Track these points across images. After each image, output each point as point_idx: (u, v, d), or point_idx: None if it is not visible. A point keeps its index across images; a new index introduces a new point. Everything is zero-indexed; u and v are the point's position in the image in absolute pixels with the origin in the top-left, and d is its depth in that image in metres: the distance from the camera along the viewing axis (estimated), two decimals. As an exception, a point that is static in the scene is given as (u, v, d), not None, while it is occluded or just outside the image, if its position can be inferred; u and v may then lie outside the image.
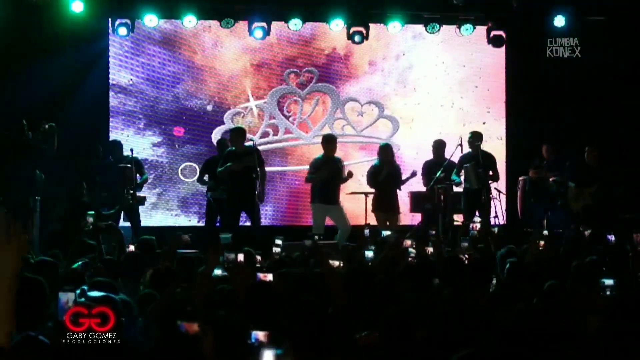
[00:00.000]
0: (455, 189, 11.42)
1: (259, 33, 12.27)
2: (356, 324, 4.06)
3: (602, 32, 12.57)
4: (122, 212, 10.97)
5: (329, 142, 11.22)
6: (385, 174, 11.17)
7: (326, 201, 10.96)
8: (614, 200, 11.06)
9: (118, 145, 11.26)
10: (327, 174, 10.91)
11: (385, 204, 11.23)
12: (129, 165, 10.89)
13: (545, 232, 9.22)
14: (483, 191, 11.17)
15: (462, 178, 11.32)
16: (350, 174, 11.06)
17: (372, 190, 11.68)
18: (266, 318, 4.06)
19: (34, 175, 9.99)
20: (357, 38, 12.52)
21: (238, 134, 10.99)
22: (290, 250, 7.88)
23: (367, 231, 9.34)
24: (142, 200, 11.28)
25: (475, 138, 11.34)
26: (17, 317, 2.75)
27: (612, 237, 8.46)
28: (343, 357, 3.54)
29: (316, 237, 8.09)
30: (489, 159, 11.39)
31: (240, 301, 4.44)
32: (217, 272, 5.28)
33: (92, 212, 8.93)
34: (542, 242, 7.30)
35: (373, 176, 11.32)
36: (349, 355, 3.60)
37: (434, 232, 8.69)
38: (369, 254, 6.68)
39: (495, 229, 9.21)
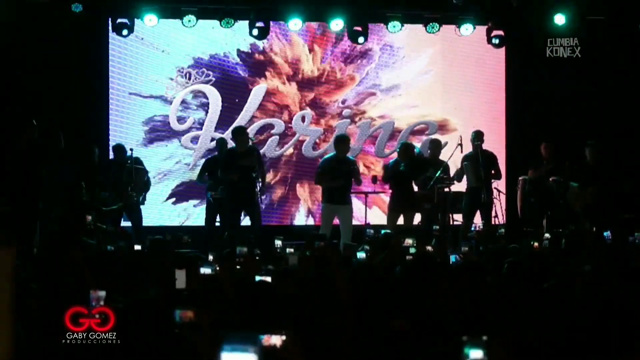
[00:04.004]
0: (455, 188, 11.42)
1: (258, 33, 12.27)
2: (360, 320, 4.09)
3: (602, 32, 12.56)
4: (125, 212, 11.06)
5: (341, 142, 11.11)
6: (392, 174, 11.12)
7: (334, 201, 10.90)
8: (617, 199, 11.05)
9: (121, 148, 11.30)
10: (338, 183, 10.85)
11: (399, 203, 11.18)
12: (140, 167, 11.09)
13: (547, 235, 9.22)
14: (483, 190, 11.19)
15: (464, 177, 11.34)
16: (361, 180, 11.08)
17: (372, 190, 11.70)
18: (266, 317, 4.07)
19: (40, 175, 10.01)
20: (357, 38, 12.53)
21: (241, 133, 11.02)
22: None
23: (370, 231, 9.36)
24: (142, 201, 11.36)
25: (476, 137, 11.36)
26: None
27: (609, 235, 8.49)
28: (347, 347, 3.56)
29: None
30: (490, 158, 11.41)
31: (229, 298, 4.46)
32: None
33: (92, 212, 8.97)
34: (536, 244, 7.34)
35: (384, 174, 11.32)
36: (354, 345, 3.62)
37: (437, 227, 8.70)
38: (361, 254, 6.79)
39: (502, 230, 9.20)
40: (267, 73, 12.99)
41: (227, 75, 12.84)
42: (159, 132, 12.64)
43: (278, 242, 8.04)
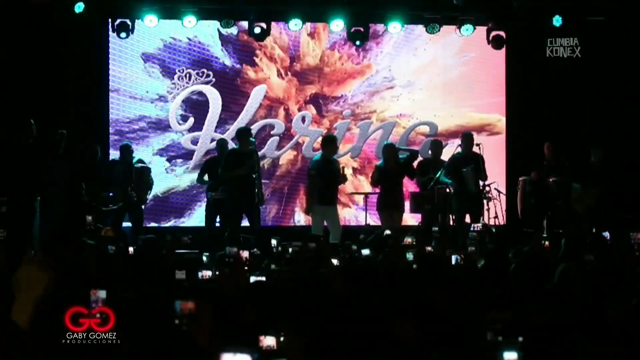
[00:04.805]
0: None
1: (259, 33, 12.27)
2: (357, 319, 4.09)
3: (602, 32, 12.57)
4: (127, 212, 11.08)
5: (331, 143, 11.17)
6: (379, 176, 11.11)
7: (324, 202, 10.93)
8: (619, 199, 11.04)
9: (128, 148, 11.29)
10: (342, 182, 10.88)
11: (386, 202, 11.18)
12: (146, 166, 11.14)
13: (545, 235, 9.22)
14: (484, 193, 11.19)
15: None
16: (345, 178, 11.07)
17: (372, 190, 11.71)
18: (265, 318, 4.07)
19: (37, 175, 10.02)
20: (357, 38, 12.53)
21: (245, 134, 11.06)
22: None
23: (362, 236, 9.37)
24: (144, 201, 11.38)
25: (468, 139, 11.34)
26: None
27: (608, 235, 8.49)
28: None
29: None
30: (479, 160, 11.36)
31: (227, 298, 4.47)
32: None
33: (93, 213, 8.98)
34: (547, 243, 7.34)
35: (372, 176, 11.33)
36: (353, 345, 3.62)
37: (437, 229, 8.70)
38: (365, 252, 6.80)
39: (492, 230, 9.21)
40: (256, 60, 12.80)
41: (206, 64, 12.63)
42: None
43: (274, 242, 8.11)
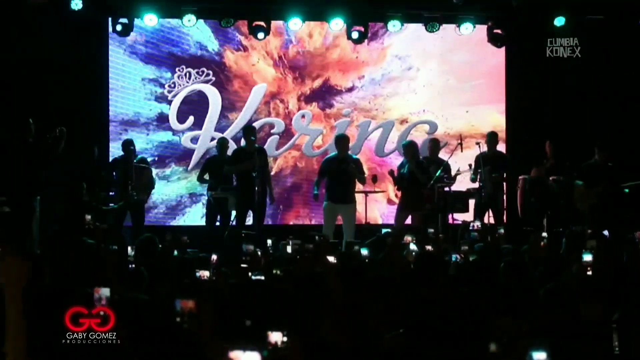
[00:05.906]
0: (454, 188, 11.40)
1: (258, 33, 12.26)
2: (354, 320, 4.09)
3: (602, 32, 12.57)
4: (128, 211, 11.07)
5: (338, 141, 11.21)
6: (402, 174, 11.11)
7: (335, 200, 10.94)
8: (621, 198, 11.06)
9: (129, 144, 11.21)
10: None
11: (403, 203, 11.20)
12: (143, 165, 11.09)
13: (544, 234, 9.21)
14: (497, 192, 11.24)
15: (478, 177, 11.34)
16: (363, 178, 11.09)
17: (372, 190, 11.72)
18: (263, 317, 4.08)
19: (37, 175, 10.01)
20: (356, 37, 12.52)
21: (250, 132, 11.06)
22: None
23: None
24: (144, 201, 11.38)
25: (490, 138, 11.36)
26: None
27: (607, 233, 8.50)
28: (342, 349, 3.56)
29: (317, 237, 8.11)
30: (504, 160, 11.39)
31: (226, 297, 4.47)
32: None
33: (92, 212, 8.97)
34: (542, 243, 7.33)
35: (395, 181, 11.34)
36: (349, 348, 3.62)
37: (432, 231, 8.73)
38: (364, 251, 6.83)
39: (502, 230, 9.20)
40: (244, 42, 12.68)
41: (182, 48, 12.54)
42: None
43: (269, 242, 8.16)
